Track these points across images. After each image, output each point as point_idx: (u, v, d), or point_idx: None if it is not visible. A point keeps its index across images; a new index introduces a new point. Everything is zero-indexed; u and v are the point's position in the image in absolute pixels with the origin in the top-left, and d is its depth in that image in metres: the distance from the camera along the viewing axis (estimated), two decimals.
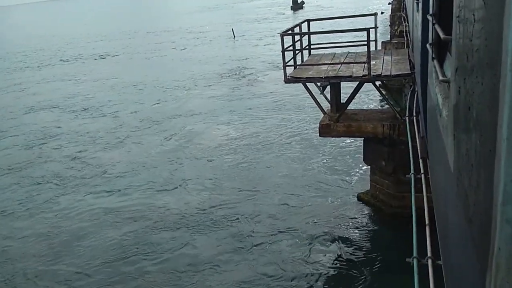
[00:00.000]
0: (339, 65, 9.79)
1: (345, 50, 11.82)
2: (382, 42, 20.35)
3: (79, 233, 10.43)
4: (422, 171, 4.96)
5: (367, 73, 8.73)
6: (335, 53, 11.46)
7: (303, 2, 71.04)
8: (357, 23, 28.08)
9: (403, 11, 30.36)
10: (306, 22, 11.49)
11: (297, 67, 10.05)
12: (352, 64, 9.75)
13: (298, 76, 9.32)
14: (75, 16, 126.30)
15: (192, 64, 30.81)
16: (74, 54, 42.37)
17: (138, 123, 18.54)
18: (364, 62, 8.83)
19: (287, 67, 9.28)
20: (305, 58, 10.80)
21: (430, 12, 3.28)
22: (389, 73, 8.70)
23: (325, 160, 13.14)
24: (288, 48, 9.71)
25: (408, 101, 8.29)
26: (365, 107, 16.83)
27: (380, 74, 8.72)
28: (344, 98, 10.15)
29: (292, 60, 9.83)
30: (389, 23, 30.12)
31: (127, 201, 11.84)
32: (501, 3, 1.09)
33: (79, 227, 10.74)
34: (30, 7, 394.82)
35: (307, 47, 11.31)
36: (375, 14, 10.91)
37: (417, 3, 5.80)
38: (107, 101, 22.95)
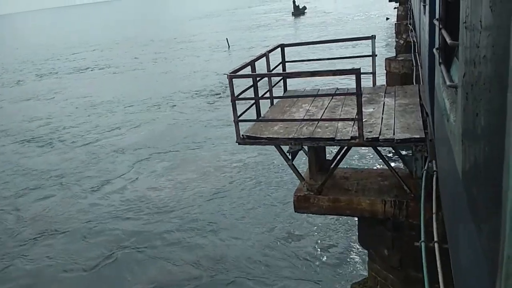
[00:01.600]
0: (322, 110, 6.86)
1: (334, 80, 8.85)
2: (386, 59, 17.35)
3: None
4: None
5: (357, 134, 5.77)
6: (318, 90, 8.49)
7: (304, 8, 68.19)
8: (349, 47, 24.87)
9: (409, 18, 27.50)
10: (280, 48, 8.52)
11: (264, 115, 7.11)
12: (339, 111, 6.80)
13: (258, 136, 6.34)
14: (70, 24, 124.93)
15: (173, 80, 27.99)
16: (55, 68, 39.75)
17: (78, 162, 15.59)
18: (353, 119, 5.85)
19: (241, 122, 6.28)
20: (275, 98, 7.81)
21: (437, 16, 3.28)
22: (391, 136, 5.71)
23: (305, 229, 10.00)
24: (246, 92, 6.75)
25: (423, 179, 5.37)
26: (362, 161, 13.54)
27: (378, 138, 5.73)
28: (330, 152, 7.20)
29: (255, 107, 6.85)
30: (395, 31, 27.12)
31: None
32: (508, 12, 1.11)
33: None
34: (30, 15, 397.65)
35: (278, 84, 8.35)
36: (373, 38, 7.95)
37: (424, 6, 5.74)
38: (65, 127, 20.22)
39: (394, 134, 5.77)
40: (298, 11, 66.03)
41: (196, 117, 19.42)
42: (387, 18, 45.53)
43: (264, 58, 7.58)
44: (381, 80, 19.93)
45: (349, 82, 18.33)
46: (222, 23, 65.67)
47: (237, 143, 6.37)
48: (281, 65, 8.52)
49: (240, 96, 6.23)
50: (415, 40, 15.48)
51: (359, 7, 62.89)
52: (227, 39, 42.12)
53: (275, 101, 7.83)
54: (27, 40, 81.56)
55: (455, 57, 2.84)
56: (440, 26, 3.01)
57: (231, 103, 6.16)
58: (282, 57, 8.68)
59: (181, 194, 12.09)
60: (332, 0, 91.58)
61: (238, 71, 6.25)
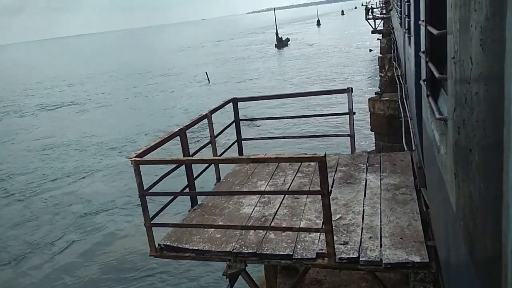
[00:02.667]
0: (279, 201, 4.94)
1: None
2: (370, 99, 15.66)
3: None
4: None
5: (324, 251, 3.84)
6: (282, 155, 6.57)
7: (288, 40, 67.75)
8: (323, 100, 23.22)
9: (393, 51, 26.34)
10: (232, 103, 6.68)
11: (201, 202, 5.15)
12: (304, 200, 4.90)
13: (182, 246, 4.29)
14: (51, 57, 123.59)
15: (140, 119, 25.84)
16: (21, 105, 37.37)
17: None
18: (318, 230, 3.91)
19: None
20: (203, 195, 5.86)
21: (422, 49, 3.30)
22: (377, 255, 3.75)
23: None
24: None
25: None
26: None
27: (357, 258, 3.77)
28: None
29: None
30: (378, 65, 25.84)
31: None
32: (500, 49, 1.09)
33: None
34: (16, 47, 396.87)
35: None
36: (349, 91, 6.11)
37: (409, 38, 5.76)
38: (13, 175, 17.90)
39: (381, 249, 3.78)
40: (281, 43, 65.49)
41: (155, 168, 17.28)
42: (371, 50, 44.76)
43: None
44: (365, 123, 18.37)
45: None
46: (203, 55, 64.58)
47: (151, 256, 4.31)
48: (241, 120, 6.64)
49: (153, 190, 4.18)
50: (400, 73, 14.19)
51: (342, 38, 62.62)
52: (206, 72, 40.62)
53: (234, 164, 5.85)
54: (8, 72, 79.48)
55: (443, 88, 2.82)
56: (427, 60, 2.99)
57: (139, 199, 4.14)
58: (235, 114, 6.80)
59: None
60: (316, 31, 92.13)
61: (150, 150, 4.27)
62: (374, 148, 16.03)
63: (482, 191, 1.42)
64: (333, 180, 5.40)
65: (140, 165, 4.00)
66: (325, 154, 3.52)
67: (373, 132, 16.18)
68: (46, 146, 22.13)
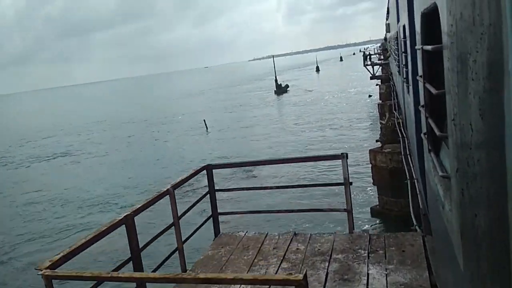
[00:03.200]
0: None
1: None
2: (370, 150, 14.64)
3: None
4: None
5: None
6: (266, 235, 5.48)
7: (287, 86, 68.08)
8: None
9: (393, 98, 25.71)
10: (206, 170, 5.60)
11: None
12: None
13: None
14: (56, 105, 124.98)
15: (132, 171, 24.75)
16: (15, 155, 36.57)
17: None
18: None
19: None
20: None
21: (422, 103, 3.26)
22: None
23: None
24: None
25: None
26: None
27: None
28: None
29: None
30: (378, 112, 25.12)
31: None
32: (500, 120, 1.10)
33: None
34: (31, 94, 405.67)
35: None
36: (343, 157, 5.04)
37: (407, 87, 5.72)
38: None
39: None
40: (281, 90, 65.74)
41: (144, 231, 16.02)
42: (370, 96, 44.47)
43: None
44: (366, 175, 17.25)
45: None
46: (203, 103, 64.69)
47: None
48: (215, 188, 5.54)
49: None
50: (401, 122, 13.66)
51: (341, 84, 62.87)
52: (204, 120, 40.08)
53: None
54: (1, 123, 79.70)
55: (444, 142, 2.71)
56: (427, 115, 2.94)
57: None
58: (209, 183, 5.71)
59: None
60: (315, 77, 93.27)
61: (70, 256, 3.13)
62: (377, 203, 14.81)
63: (489, 258, 1.39)
64: (327, 273, 4.21)
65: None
66: (305, 274, 2.40)
67: (376, 186, 15.08)
68: (30, 201, 20.95)
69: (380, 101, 32.88)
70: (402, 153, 10.85)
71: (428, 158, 3.19)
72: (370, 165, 15.01)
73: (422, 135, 3.33)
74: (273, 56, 76.01)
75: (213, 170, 5.52)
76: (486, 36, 1.23)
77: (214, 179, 5.63)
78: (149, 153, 29.94)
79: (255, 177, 19.40)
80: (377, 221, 14.14)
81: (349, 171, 4.87)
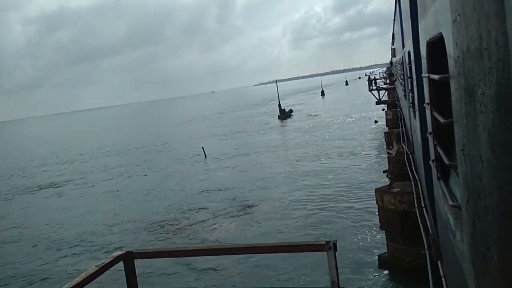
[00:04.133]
0: None
1: None
2: (377, 190, 12.49)
3: None
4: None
5: None
6: None
7: (291, 111, 66.52)
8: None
9: (401, 126, 23.78)
10: None
11: None
12: None
13: None
14: (64, 129, 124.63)
15: (122, 206, 22.78)
16: (9, 184, 34.90)
17: None
18: None
19: None
20: None
21: (429, 130, 3.32)
22: None
23: None
24: None
25: None
26: None
27: None
28: None
29: None
30: (385, 141, 23.14)
31: None
32: (509, 153, 1.10)
33: None
34: (39, 120, 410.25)
35: None
36: (330, 247, 3.01)
37: (414, 112, 5.94)
38: None
39: None
40: (284, 114, 64.12)
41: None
42: (376, 121, 42.55)
43: None
44: (372, 214, 15.17)
45: None
46: (204, 128, 63.11)
47: None
48: None
49: None
50: (408, 149, 12.85)
51: (346, 109, 61.10)
52: (203, 148, 38.32)
53: None
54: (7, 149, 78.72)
55: (454, 170, 2.67)
56: (435, 143, 2.95)
57: None
58: (127, 276, 3.73)
59: None
60: (320, 102, 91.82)
61: None
62: (385, 250, 12.69)
63: None
64: None
65: None
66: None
67: (384, 231, 12.99)
68: (3, 241, 19.02)
69: (387, 128, 30.95)
70: (416, 201, 8.85)
71: (437, 185, 3.14)
72: (377, 206, 12.93)
73: (430, 162, 3.30)
74: (276, 81, 74.87)
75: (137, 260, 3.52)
76: (494, 70, 1.25)
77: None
78: (141, 184, 28.00)
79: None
80: (386, 274, 11.94)
81: (338, 269, 2.86)
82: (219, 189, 23.70)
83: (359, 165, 24.91)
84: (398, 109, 21.61)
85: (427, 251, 5.44)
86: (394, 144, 22.37)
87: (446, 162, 2.38)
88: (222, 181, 25.81)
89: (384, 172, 23.04)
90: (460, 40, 1.69)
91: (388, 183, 13.41)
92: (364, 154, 27.97)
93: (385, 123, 33.34)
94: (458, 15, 1.72)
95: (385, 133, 22.51)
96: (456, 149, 2.06)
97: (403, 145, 15.38)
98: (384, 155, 25.10)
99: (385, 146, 22.88)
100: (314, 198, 19.21)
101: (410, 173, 11.24)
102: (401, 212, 11.67)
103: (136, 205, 22.04)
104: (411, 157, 12.19)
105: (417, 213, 7.70)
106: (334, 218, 15.96)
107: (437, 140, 2.88)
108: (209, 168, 31.89)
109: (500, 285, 1.41)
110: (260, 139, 43.02)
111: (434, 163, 3.04)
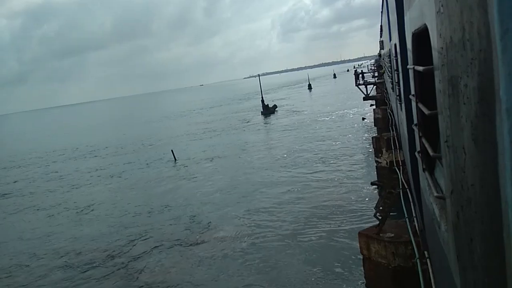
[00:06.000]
0: None
1: None
2: (361, 234, 8.66)
3: None
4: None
5: None
6: None
7: (275, 106, 62.70)
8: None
9: (391, 123, 20.21)
10: None
11: None
12: None
13: None
14: (45, 126, 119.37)
15: (62, 222, 18.94)
16: None
17: None
18: None
19: None
20: None
21: (415, 121, 3.33)
22: None
23: None
24: None
25: None
26: None
27: None
28: None
29: None
30: (373, 147, 19.56)
31: None
32: (492, 145, 1.11)
33: None
34: (24, 115, 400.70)
35: None
36: None
37: (400, 104, 5.97)
38: None
39: None
40: (268, 110, 60.29)
41: None
42: (364, 118, 39.06)
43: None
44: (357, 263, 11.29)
45: None
46: (182, 126, 58.91)
47: None
48: None
49: None
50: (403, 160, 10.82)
51: (333, 104, 57.45)
52: (172, 151, 34.42)
53: None
54: None
55: (438, 161, 2.69)
56: (420, 134, 2.97)
57: None
58: None
59: None
60: (307, 96, 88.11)
61: None
62: None
63: (485, 280, 1.40)
64: None
65: None
66: None
67: None
68: None
69: (375, 128, 27.37)
70: (416, 250, 5.29)
71: (423, 176, 3.18)
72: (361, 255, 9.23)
73: (416, 153, 3.35)
74: (259, 75, 70.89)
75: None
76: (476, 61, 1.25)
77: None
78: (82, 199, 23.96)
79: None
80: None
81: None
82: (180, 205, 20.01)
83: (342, 175, 21.31)
84: (389, 111, 17.96)
85: None
86: (384, 151, 18.82)
87: (431, 153, 2.43)
88: (186, 193, 22.15)
89: (372, 184, 19.49)
90: (444, 31, 1.74)
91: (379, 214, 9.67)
92: (349, 160, 24.36)
93: (373, 122, 29.87)
94: (442, 6, 1.76)
95: (373, 138, 18.91)
96: (441, 141, 2.08)
97: (397, 171, 11.71)
98: (371, 159, 21.57)
99: (373, 151, 19.31)
100: (281, 222, 15.55)
101: (409, 195, 7.68)
102: (395, 270, 8.07)
103: (66, 231, 18.05)
104: (411, 183, 8.69)
105: (418, 267, 5.61)
106: (304, 258, 12.21)
107: (422, 132, 2.96)
108: (177, 175, 28.10)
109: (483, 277, 1.42)
110: (237, 139, 39.24)
111: (420, 154, 3.07)
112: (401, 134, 6.44)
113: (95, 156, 40.54)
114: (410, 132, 4.25)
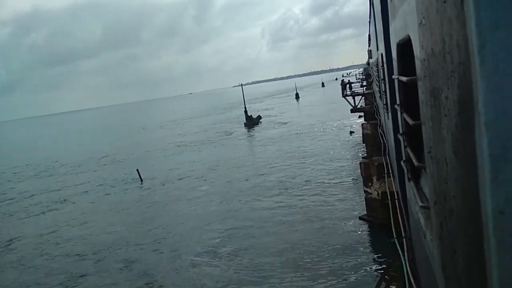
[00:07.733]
0: None
1: None
2: None
3: None
4: None
5: None
6: None
7: (259, 117, 59.21)
8: None
9: (382, 140, 16.49)
10: None
11: None
12: None
13: None
14: (30, 136, 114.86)
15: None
16: None
17: None
18: None
19: None
20: None
21: (401, 131, 3.35)
22: None
23: None
24: None
25: None
26: None
27: None
28: None
29: None
30: (361, 175, 16.09)
31: None
32: (472, 159, 1.10)
33: None
34: (13, 124, 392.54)
35: None
36: None
37: (387, 113, 6.04)
38: None
39: None
40: (252, 121, 56.75)
41: None
42: (352, 132, 35.86)
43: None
44: None
45: None
46: (158, 139, 55.16)
47: None
48: None
49: None
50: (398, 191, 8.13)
51: (320, 116, 54.24)
52: (137, 170, 30.74)
53: None
54: None
55: (424, 170, 2.64)
56: (405, 144, 2.98)
57: None
58: None
59: None
60: (294, 106, 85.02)
61: None
62: None
63: None
64: None
65: None
66: None
67: None
68: None
69: (364, 148, 24.07)
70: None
71: (409, 185, 3.18)
72: None
73: (402, 162, 3.36)
74: (241, 84, 67.50)
75: None
76: (456, 74, 1.26)
77: None
78: (36, 225, 20.23)
79: None
80: None
81: None
82: (130, 244, 16.43)
83: (326, 205, 17.88)
84: (380, 131, 14.58)
85: None
86: (375, 180, 15.46)
87: (415, 163, 2.43)
88: (144, 226, 18.58)
89: (360, 218, 16.13)
90: (426, 43, 1.74)
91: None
92: (335, 184, 20.96)
93: (361, 137, 26.63)
94: (424, 18, 1.77)
95: (361, 164, 15.53)
96: (425, 151, 2.08)
97: (395, 210, 8.38)
98: (359, 184, 18.24)
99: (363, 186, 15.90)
100: (252, 271, 12.04)
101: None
102: None
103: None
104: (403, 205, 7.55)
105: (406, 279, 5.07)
106: None
107: (407, 141, 2.97)
108: (140, 199, 24.48)
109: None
110: (213, 155, 35.67)
111: (405, 163, 3.09)
112: (388, 143, 6.75)
113: (50, 175, 36.61)
114: (397, 141, 4.27)
